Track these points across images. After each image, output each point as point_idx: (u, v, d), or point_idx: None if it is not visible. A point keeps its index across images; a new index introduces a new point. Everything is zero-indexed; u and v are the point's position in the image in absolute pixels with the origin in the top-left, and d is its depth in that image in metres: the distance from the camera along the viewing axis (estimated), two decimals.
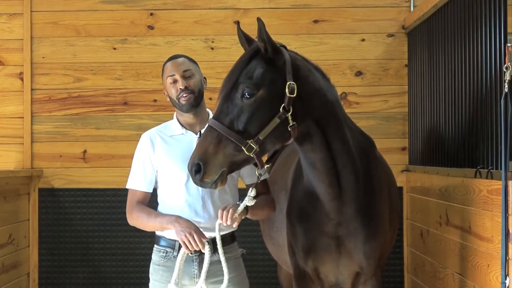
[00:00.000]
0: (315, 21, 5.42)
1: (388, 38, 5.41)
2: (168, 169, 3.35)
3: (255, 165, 2.98)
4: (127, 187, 3.44)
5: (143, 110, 5.44)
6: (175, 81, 3.35)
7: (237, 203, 3.18)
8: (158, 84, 5.39)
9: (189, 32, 5.43)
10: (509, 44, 3.20)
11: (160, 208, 3.41)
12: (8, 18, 5.46)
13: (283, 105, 2.90)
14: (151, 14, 5.45)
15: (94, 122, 5.44)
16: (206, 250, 3.18)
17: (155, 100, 5.35)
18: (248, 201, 3.09)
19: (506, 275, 3.04)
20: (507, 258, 3.05)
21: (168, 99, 3.42)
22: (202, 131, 3.28)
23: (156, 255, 3.39)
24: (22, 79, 5.44)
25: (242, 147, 2.86)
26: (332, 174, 3.15)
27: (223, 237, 3.25)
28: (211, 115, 3.49)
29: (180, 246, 3.25)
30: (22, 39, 5.44)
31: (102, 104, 5.45)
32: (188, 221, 3.22)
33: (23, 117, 5.44)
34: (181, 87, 3.31)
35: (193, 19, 5.44)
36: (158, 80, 5.40)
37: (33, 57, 5.44)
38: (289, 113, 2.90)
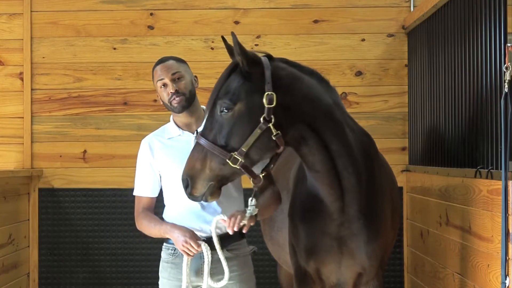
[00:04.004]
0: (315, 21, 5.42)
1: (388, 38, 5.41)
2: (169, 172, 3.38)
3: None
4: (133, 194, 3.51)
5: (143, 110, 5.44)
6: (165, 85, 3.36)
7: (245, 209, 3.18)
8: None
9: (189, 32, 5.43)
10: (509, 44, 3.20)
11: (166, 210, 3.46)
12: (8, 18, 5.46)
13: (263, 115, 2.93)
14: (151, 14, 5.45)
15: (94, 122, 5.44)
16: (204, 250, 3.22)
17: (155, 100, 5.34)
18: (253, 211, 3.10)
19: (506, 275, 3.04)
20: (507, 258, 3.05)
21: (162, 103, 3.44)
22: (199, 129, 3.31)
23: (164, 253, 3.44)
24: (22, 79, 5.44)
25: (227, 160, 2.92)
26: (333, 175, 3.15)
27: (231, 235, 3.26)
28: None
29: None
30: (22, 39, 5.44)
31: (102, 104, 5.45)
32: (181, 228, 3.27)
33: (23, 117, 5.44)
34: (171, 90, 3.33)
35: (193, 19, 5.44)
36: None
37: (33, 57, 5.44)
38: (271, 123, 2.93)
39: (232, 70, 3.02)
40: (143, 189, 3.47)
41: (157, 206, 3.52)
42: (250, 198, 3.11)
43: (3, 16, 5.46)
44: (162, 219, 3.45)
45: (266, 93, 2.93)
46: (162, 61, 3.43)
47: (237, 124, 2.94)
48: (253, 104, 2.94)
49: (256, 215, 3.13)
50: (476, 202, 3.53)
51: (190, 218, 3.35)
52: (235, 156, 2.92)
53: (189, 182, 2.98)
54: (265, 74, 2.97)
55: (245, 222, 3.07)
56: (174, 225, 3.31)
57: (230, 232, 3.08)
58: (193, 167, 2.97)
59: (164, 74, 3.35)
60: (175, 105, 3.34)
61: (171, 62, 3.40)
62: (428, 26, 4.81)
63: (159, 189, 3.47)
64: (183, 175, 3.01)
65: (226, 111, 2.94)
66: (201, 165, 2.96)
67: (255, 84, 2.96)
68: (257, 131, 2.92)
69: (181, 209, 3.36)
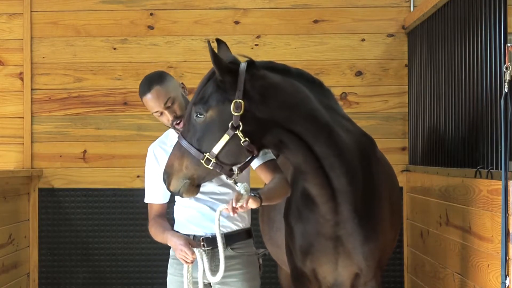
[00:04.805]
0: (315, 21, 5.42)
1: (388, 38, 5.41)
2: None
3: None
4: (145, 201, 3.56)
5: (143, 110, 5.37)
6: (162, 113, 3.37)
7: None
8: None
9: (189, 32, 5.44)
10: (509, 44, 3.20)
11: (176, 208, 3.53)
12: (8, 18, 5.46)
13: (231, 122, 2.99)
14: (151, 14, 5.45)
15: (94, 122, 5.45)
16: (198, 257, 3.27)
17: None
18: (244, 187, 3.07)
19: (506, 275, 3.04)
20: (507, 258, 3.05)
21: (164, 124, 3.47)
22: None
23: (172, 249, 3.50)
24: (22, 79, 5.44)
25: (201, 160, 3.04)
26: (320, 175, 3.15)
27: (238, 232, 3.36)
28: None
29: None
30: (22, 39, 5.44)
31: (102, 104, 5.45)
32: (179, 237, 3.33)
33: (23, 117, 5.44)
34: (170, 118, 3.35)
35: (193, 19, 5.44)
36: None
37: (33, 57, 5.44)
38: (239, 130, 2.99)
39: (211, 76, 3.09)
40: (153, 197, 3.55)
41: (169, 206, 3.57)
42: (236, 184, 3.11)
43: (3, 16, 5.46)
44: (172, 218, 3.52)
45: (235, 100, 2.99)
46: (148, 88, 3.34)
47: (208, 129, 3.04)
48: (223, 112, 3.03)
49: (261, 198, 3.09)
50: (476, 202, 3.53)
51: (198, 216, 3.41)
52: (208, 157, 3.03)
53: (166, 178, 3.14)
54: (238, 82, 3.02)
55: (242, 201, 3.06)
56: (174, 234, 3.37)
57: (231, 214, 3.07)
58: (171, 165, 3.12)
59: (157, 106, 3.35)
60: (181, 129, 3.37)
61: (157, 89, 3.32)
62: (428, 26, 4.81)
63: (169, 194, 3.51)
64: (163, 171, 3.16)
65: (199, 116, 3.05)
66: (179, 163, 3.10)
67: (227, 92, 3.03)
68: (226, 137, 3.02)
69: (190, 208, 3.43)
